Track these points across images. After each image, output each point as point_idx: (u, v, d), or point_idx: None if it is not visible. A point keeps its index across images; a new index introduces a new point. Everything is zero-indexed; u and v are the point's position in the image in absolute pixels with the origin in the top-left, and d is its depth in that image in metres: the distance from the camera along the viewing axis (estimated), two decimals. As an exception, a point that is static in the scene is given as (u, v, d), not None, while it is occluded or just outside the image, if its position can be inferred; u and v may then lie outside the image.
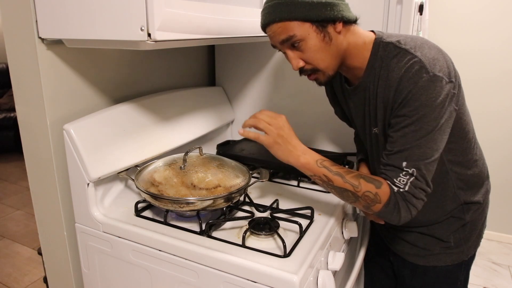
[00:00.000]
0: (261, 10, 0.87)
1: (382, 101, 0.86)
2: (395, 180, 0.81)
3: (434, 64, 0.78)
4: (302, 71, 0.87)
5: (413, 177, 0.80)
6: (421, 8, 1.28)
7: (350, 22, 0.85)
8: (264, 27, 0.86)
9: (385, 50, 0.84)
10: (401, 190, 0.81)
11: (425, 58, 0.79)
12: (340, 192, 0.86)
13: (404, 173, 0.81)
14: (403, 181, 0.81)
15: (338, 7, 0.81)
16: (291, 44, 0.83)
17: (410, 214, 0.83)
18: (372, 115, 0.91)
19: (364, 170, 1.08)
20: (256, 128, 0.90)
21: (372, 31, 0.90)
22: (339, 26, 0.83)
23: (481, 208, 1.01)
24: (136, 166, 1.07)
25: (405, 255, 1.08)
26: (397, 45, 0.83)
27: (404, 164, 0.80)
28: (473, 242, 1.03)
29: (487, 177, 1.04)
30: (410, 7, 1.15)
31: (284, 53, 0.87)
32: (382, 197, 0.82)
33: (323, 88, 1.36)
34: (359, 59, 0.88)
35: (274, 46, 0.89)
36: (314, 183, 1.21)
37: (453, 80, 0.80)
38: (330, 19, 0.81)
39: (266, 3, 0.84)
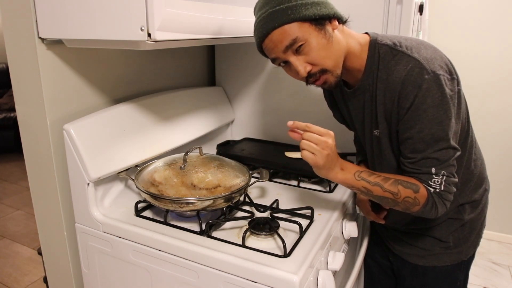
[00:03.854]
0: (253, 29, 0.85)
1: (382, 103, 0.86)
2: (430, 182, 0.83)
3: (432, 63, 0.79)
4: (310, 76, 0.84)
5: (446, 176, 0.83)
6: (421, 8, 1.28)
7: (341, 20, 0.85)
8: (263, 38, 0.82)
9: (381, 52, 0.85)
10: (437, 190, 0.83)
11: (423, 58, 0.79)
12: (380, 199, 0.88)
13: (433, 176, 0.83)
14: (438, 181, 0.83)
15: (328, 4, 0.82)
16: (295, 49, 0.81)
17: (446, 208, 0.86)
18: (372, 117, 0.91)
19: None
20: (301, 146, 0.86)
21: (366, 33, 0.90)
22: (335, 23, 0.83)
23: (480, 208, 1.02)
24: (136, 166, 1.07)
25: (405, 255, 1.08)
26: (393, 47, 0.83)
27: (433, 170, 0.82)
28: (472, 242, 1.03)
29: (486, 177, 1.04)
30: (410, 7, 1.15)
31: (285, 64, 0.85)
32: (420, 200, 0.84)
33: (323, 88, 1.36)
34: (357, 61, 0.87)
35: (274, 60, 0.86)
36: (314, 183, 1.21)
37: (455, 76, 0.82)
38: (325, 16, 0.81)
39: (258, 17, 0.82)
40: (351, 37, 0.87)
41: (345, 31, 0.86)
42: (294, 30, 0.79)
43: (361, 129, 0.99)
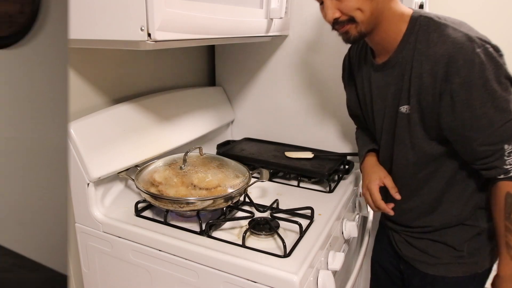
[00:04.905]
0: None
1: (417, 75, 0.83)
2: (505, 166, 0.80)
3: (480, 38, 0.77)
4: (336, 23, 0.83)
5: None
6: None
7: None
8: None
9: (423, 23, 0.82)
10: None
11: (471, 32, 0.77)
12: None
13: (506, 154, 0.79)
14: (510, 161, 0.79)
15: None
16: None
17: None
18: (403, 92, 0.87)
19: (372, 158, 1.05)
20: None
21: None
22: None
23: None
24: (136, 166, 1.07)
25: (415, 262, 1.01)
26: (437, 20, 0.82)
27: (506, 146, 0.79)
28: (489, 254, 0.94)
29: None
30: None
31: (321, 4, 0.85)
32: None
33: (322, 88, 1.36)
34: (394, 30, 0.85)
35: None
36: (314, 183, 1.21)
37: (502, 53, 0.79)
38: None
39: None
40: (397, 4, 0.85)
41: None
42: None
43: (381, 108, 0.95)
